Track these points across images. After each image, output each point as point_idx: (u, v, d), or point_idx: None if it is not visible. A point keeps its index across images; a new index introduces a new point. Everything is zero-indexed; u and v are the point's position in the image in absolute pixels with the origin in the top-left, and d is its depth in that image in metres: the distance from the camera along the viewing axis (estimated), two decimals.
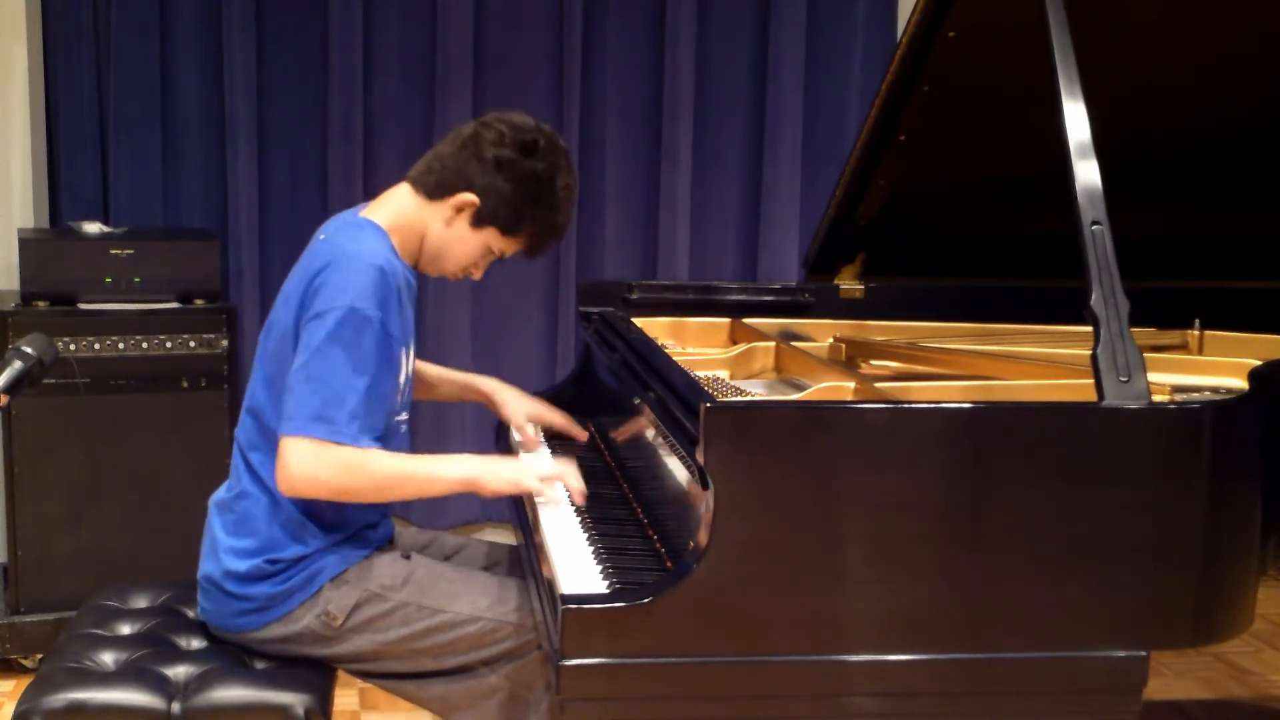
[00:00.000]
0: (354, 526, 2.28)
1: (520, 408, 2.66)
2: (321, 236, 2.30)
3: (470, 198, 2.25)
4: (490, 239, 2.30)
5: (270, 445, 2.23)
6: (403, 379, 2.27)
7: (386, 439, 2.22)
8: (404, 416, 2.33)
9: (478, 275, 2.37)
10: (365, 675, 2.32)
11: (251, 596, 2.23)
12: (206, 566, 2.30)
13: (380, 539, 2.36)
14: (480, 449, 2.50)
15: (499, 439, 2.82)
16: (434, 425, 4.06)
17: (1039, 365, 2.47)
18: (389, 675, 2.30)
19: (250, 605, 2.24)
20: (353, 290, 2.13)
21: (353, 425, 2.12)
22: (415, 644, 2.23)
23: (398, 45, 4.00)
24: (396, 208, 2.29)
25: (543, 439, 2.68)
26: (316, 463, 2.12)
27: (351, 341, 2.12)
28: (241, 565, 2.23)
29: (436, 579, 2.26)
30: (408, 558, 2.31)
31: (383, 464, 2.18)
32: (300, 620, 2.23)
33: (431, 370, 2.70)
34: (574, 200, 2.34)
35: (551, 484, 2.28)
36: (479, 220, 2.27)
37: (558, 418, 2.66)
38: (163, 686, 2.17)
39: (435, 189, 2.27)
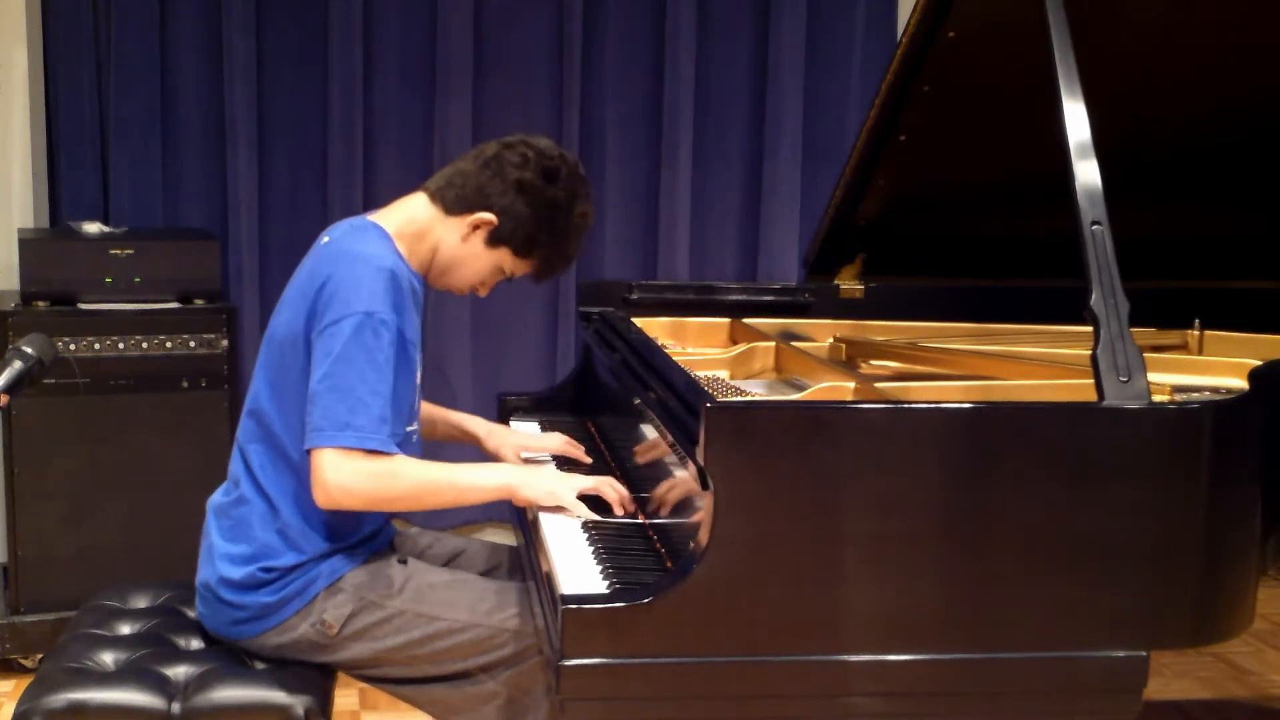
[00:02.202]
0: (354, 536, 2.27)
1: (507, 447, 2.57)
2: (325, 239, 2.30)
3: (489, 217, 2.26)
4: (502, 259, 2.31)
5: (273, 447, 2.23)
6: (417, 383, 2.27)
7: (402, 449, 2.20)
8: (415, 426, 2.32)
9: (484, 293, 2.38)
10: (364, 680, 2.32)
11: (246, 605, 2.23)
12: (204, 572, 2.29)
13: (379, 545, 2.35)
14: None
15: None
16: None
17: (1039, 365, 2.47)
18: (387, 680, 2.29)
19: (245, 614, 2.23)
20: (366, 294, 2.13)
21: (382, 429, 2.11)
22: (412, 651, 2.23)
23: (398, 45, 4.00)
24: (409, 215, 2.29)
25: (539, 431, 2.67)
26: (351, 473, 2.10)
27: (371, 346, 2.11)
28: (236, 573, 2.23)
29: (433, 586, 2.25)
30: (404, 563, 2.30)
31: (417, 472, 2.17)
32: (296, 629, 2.22)
33: (430, 410, 2.62)
34: (587, 229, 2.35)
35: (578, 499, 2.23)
36: (494, 240, 2.28)
37: (556, 444, 2.57)
38: (163, 686, 2.17)
39: (455, 204, 2.27)
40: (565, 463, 2.54)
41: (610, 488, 2.24)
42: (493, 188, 2.25)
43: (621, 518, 2.21)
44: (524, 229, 2.27)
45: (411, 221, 2.28)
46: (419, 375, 2.29)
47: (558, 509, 2.21)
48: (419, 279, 2.29)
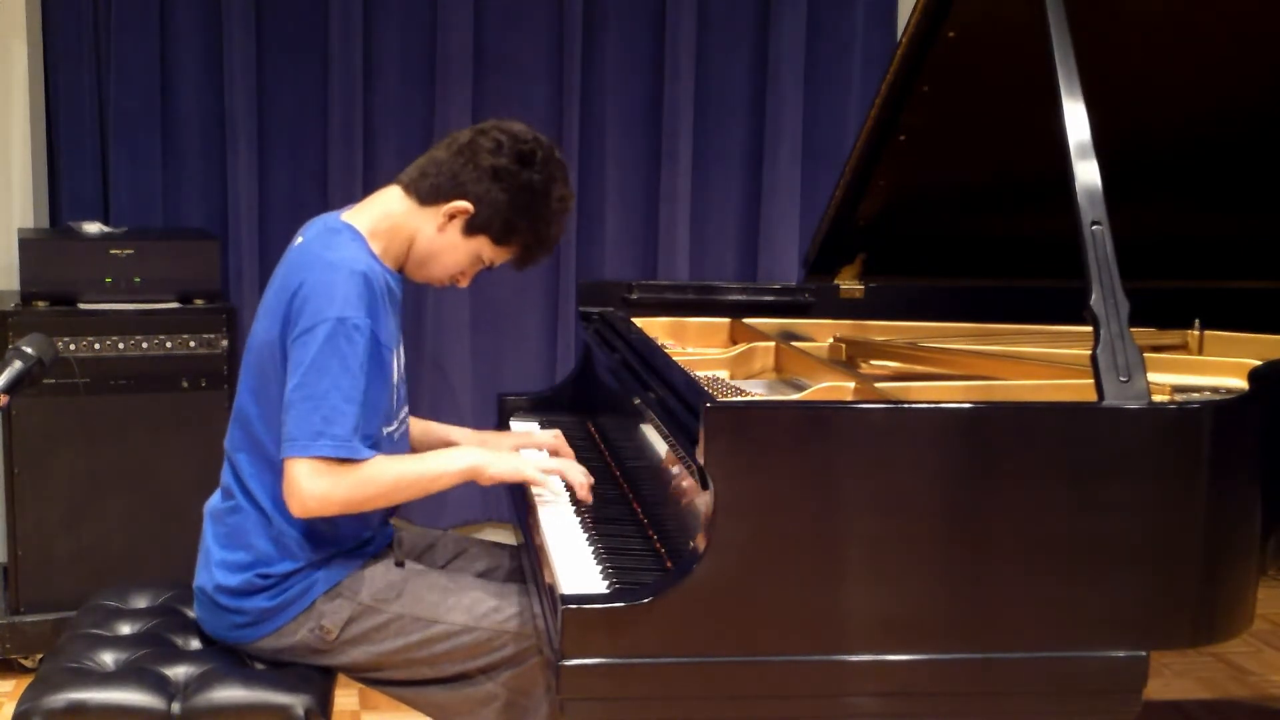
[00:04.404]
0: (348, 541, 2.27)
1: (508, 445, 2.53)
2: (299, 240, 2.28)
3: (464, 205, 2.23)
4: (481, 248, 2.27)
5: (259, 456, 2.22)
6: (394, 384, 2.26)
7: (380, 449, 2.20)
8: (394, 427, 2.29)
9: (464, 283, 2.35)
10: (363, 682, 2.31)
11: (244, 610, 2.23)
12: (200, 577, 2.29)
13: (377, 548, 2.34)
14: None
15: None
16: (431, 417, 4.03)
17: (1039, 365, 2.47)
18: (387, 683, 2.29)
19: (243, 619, 2.23)
20: (339, 300, 2.11)
21: (355, 437, 2.10)
22: (411, 654, 2.23)
23: (398, 45, 3.99)
24: (383, 211, 2.26)
25: (539, 429, 2.69)
26: (326, 482, 2.09)
27: (345, 352, 2.09)
28: (233, 579, 2.23)
29: (431, 589, 2.25)
30: (401, 565, 2.30)
31: (388, 470, 2.16)
32: (294, 634, 2.22)
33: (423, 427, 2.59)
34: (567, 213, 2.31)
35: (550, 476, 2.27)
36: (471, 228, 2.24)
37: (547, 438, 2.55)
38: (163, 686, 2.17)
39: (429, 194, 2.24)
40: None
41: (576, 472, 2.23)
42: (467, 175, 2.22)
43: (614, 501, 2.22)
44: (501, 216, 2.23)
45: (386, 217, 2.25)
46: (397, 376, 2.27)
47: (559, 507, 2.21)
48: (395, 277, 2.26)
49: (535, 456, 2.31)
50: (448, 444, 2.54)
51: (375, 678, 2.28)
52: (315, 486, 2.09)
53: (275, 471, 2.20)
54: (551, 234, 2.29)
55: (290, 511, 2.14)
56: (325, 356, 2.09)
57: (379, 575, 2.26)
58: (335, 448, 2.08)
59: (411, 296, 3.99)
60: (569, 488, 2.29)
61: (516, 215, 2.24)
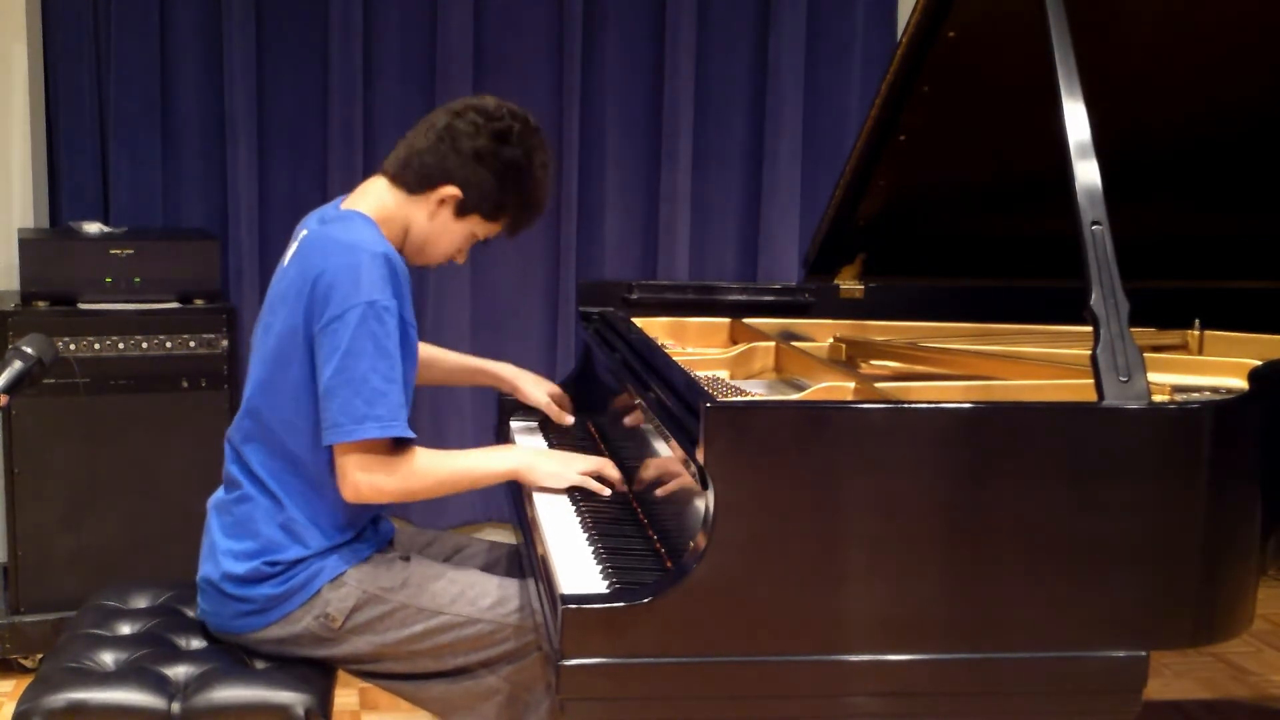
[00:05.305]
0: (356, 528, 2.28)
1: (540, 390, 2.72)
2: (304, 232, 2.31)
3: (453, 190, 2.27)
4: (474, 226, 2.33)
5: (270, 445, 2.24)
6: (419, 362, 2.30)
7: None
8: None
9: (461, 260, 2.41)
10: (365, 675, 2.32)
11: (250, 598, 2.23)
12: (205, 569, 2.30)
13: (380, 540, 2.36)
14: (479, 435, 2.51)
15: (499, 432, 2.83)
16: (431, 415, 4.05)
17: (1039, 365, 2.47)
18: (388, 676, 2.30)
19: (249, 607, 2.24)
20: (365, 283, 2.14)
21: (401, 415, 2.14)
22: (414, 645, 2.23)
23: (398, 45, 4.00)
24: (378, 201, 2.30)
25: (538, 428, 2.73)
26: (379, 473, 2.15)
27: (379, 334, 2.13)
28: (240, 568, 2.23)
29: (436, 580, 2.26)
30: (407, 559, 2.31)
31: (439, 463, 2.23)
32: (299, 622, 2.23)
33: (437, 353, 2.72)
34: (551, 175, 2.37)
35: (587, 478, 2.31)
36: (462, 210, 2.30)
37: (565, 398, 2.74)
38: (163, 686, 2.17)
39: (416, 184, 2.29)
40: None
41: (611, 468, 2.32)
42: (451, 161, 2.26)
43: (614, 501, 2.28)
44: (490, 196, 2.29)
45: (382, 207, 2.30)
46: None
47: (559, 507, 2.22)
48: (402, 261, 2.30)
49: (575, 462, 2.34)
50: (485, 374, 2.76)
51: (377, 670, 2.29)
52: (367, 475, 2.15)
53: (286, 459, 2.23)
54: (538, 199, 2.35)
55: (343, 497, 2.18)
56: (360, 340, 2.12)
57: (384, 565, 2.28)
58: (381, 428, 2.12)
59: (412, 296, 3.99)
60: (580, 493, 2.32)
61: (504, 192, 2.30)
